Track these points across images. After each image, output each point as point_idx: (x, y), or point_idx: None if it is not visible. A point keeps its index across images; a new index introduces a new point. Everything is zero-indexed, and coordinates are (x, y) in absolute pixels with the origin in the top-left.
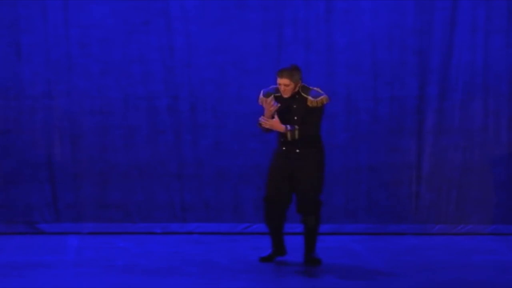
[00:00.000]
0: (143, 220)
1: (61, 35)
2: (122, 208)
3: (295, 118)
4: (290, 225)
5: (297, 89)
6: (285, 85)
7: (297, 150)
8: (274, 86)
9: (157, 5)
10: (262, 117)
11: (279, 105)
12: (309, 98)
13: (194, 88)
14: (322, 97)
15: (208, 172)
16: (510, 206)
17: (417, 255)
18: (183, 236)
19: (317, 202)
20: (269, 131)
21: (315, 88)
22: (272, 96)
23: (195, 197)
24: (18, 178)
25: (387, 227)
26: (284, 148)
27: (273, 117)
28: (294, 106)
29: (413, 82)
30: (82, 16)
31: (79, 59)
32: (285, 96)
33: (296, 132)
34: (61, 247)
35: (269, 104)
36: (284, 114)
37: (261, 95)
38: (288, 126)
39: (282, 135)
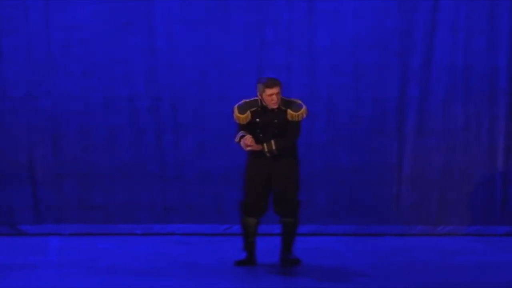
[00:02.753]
0: (125, 221)
1: (43, 36)
2: (104, 209)
3: (276, 131)
4: (269, 226)
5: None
6: (277, 93)
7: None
8: (248, 99)
9: (139, 7)
10: (239, 139)
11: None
12: (289, 111)
13: (176, 89)
14: (302, 110)
15: (190, 173)
16: (491, 207)
17: (399, 256)
18: (165, 237)
19: (297, 204)
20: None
21: (294, 100)
22: (250, 137)
23: (177, 198)
24: (0, 179)
25: (369, 228)
26: (260, 155)
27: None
28: (276, 121)
29: (395, 83)
30: (64, 17)
31: (61, 60)
32: (274, 106)
33: (273, 143)
34: (43, 249)
35: (245, 145)
36: (265, 128)
37: (235, 112)
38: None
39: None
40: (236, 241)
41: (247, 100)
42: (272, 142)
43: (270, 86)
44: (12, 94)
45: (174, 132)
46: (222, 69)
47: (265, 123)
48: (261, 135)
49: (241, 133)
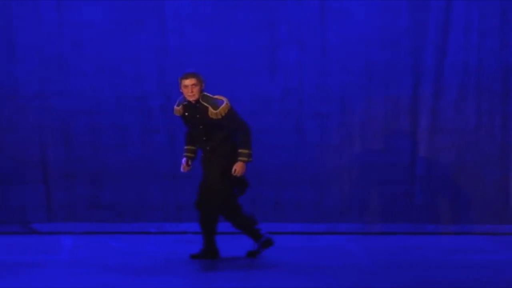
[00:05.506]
0: (136, 220)
1: (54, 34)
2: (115, 208)
3: (200, 127)
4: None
5: (198, 97)
6: (193, 84)
7: (208, 155)
8: (183, 96)
9: (150, 5)
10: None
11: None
12: (210, 109)
13: None
14: (221, 107)
15: (201, 171)
16: (503, 206)
17: (411, 254)
18: (177, 235)
19: (212, 202)
20: None
21: (217, 97)
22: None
23: (189, 197)
24: (12, 178)
25: (381, 226)
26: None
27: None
28: (197, 116)
29: (407, 82)
30: (76, 16)
31: (72, 59)
32: (193, 98)
33: (246, 152)
34: (54, 247)
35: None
36: (191, 123)
37: (175, 106)
38: (240, 158)
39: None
40: (246, 240)
41: (183, 96)
42: (240, 151)
43: (185, 78)
44: (24, 93)
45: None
46: (233, 68)
47: (191, 117)
48: (193, 131)
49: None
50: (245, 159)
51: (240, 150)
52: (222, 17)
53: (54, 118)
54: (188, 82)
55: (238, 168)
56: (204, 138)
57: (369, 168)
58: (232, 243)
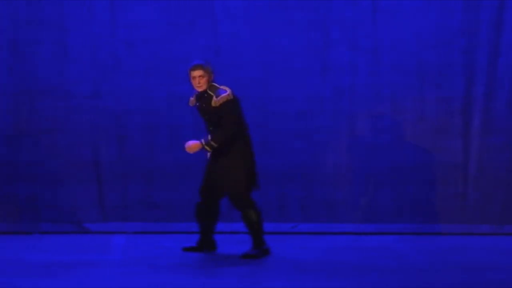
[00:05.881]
0: (189, 220)
1: (107, 35)
2: (168, 207)
3: (206, 117)
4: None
5: (205, 88)
6: (200, 76)
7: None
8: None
9: (202, 5)
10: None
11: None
12: (213, 98)
13: (239, 87)
14: (222, 95)
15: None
16: None
17: (462, 255)
18: (228, 235)
19: (240, 198)
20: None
21: (222, 87)
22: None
23: None
24: (65, 177)
25: (433, 227)
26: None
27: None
28: (203, 105)
29: (460, 82)
30: (128, 16)
31: (125, 59)
32: (201, 89)
33: (211, 142)
34: (107, 247)
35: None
36: (200, 112)
37: (191, 98)
38: (202, 140)
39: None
40: (300, 240)
41: None
42: (209, 139)
43: (192, 69)
44: (77, 93)
45: None
46: (285, 67)
47: (200, 106)
48: (204, 122)
49: None
50: (205, 145)
51: (209, 139)
52: (274, 17)
53: (107, 118)
54: (195, 73)
55: (192, 145)
56: (211, 128)
57: (421, 168)
58: (282, 244)
